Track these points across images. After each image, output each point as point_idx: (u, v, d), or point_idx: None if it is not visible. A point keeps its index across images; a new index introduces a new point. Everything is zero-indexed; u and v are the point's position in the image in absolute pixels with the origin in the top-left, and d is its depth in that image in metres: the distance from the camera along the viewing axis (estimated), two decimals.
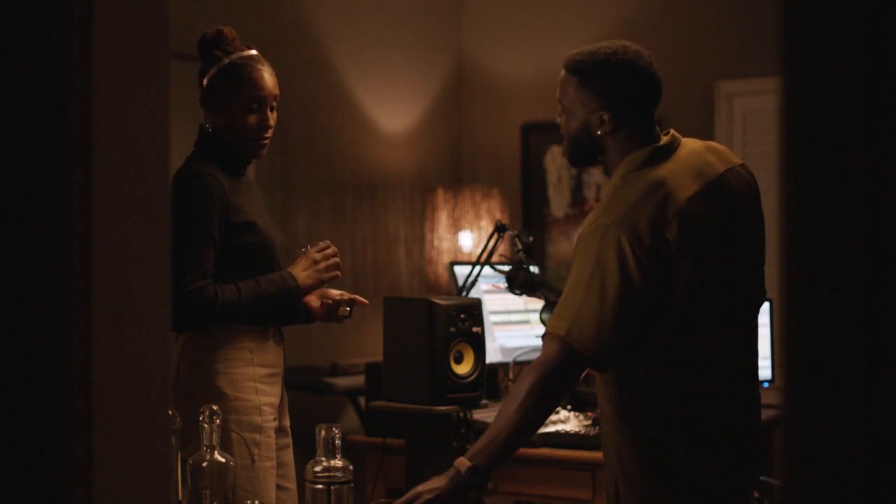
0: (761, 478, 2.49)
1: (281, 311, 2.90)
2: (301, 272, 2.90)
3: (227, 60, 2.90)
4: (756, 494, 2.49)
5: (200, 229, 2.79)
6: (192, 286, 2.75)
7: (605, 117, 2.48)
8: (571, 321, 2.40)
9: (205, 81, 2.91)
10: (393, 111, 5.57)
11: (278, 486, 2.95)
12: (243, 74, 2.89)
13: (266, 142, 2.93)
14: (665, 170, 2.46)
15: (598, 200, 5.60)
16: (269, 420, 2.87)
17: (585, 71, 2.49)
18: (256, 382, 2.85)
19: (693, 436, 2.46)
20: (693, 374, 2.45)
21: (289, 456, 3.00)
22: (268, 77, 2.92)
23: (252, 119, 2.89)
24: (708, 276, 2.43)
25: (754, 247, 2.54)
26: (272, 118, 2.93)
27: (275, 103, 2.95)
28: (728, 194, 2.49)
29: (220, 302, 2.77)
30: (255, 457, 2.79)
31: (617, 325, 2.38)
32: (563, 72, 2.54)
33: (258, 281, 2.84)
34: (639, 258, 2.36)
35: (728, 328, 2.48)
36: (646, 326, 2.41)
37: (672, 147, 2.51)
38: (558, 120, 2.58)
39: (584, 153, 2.56)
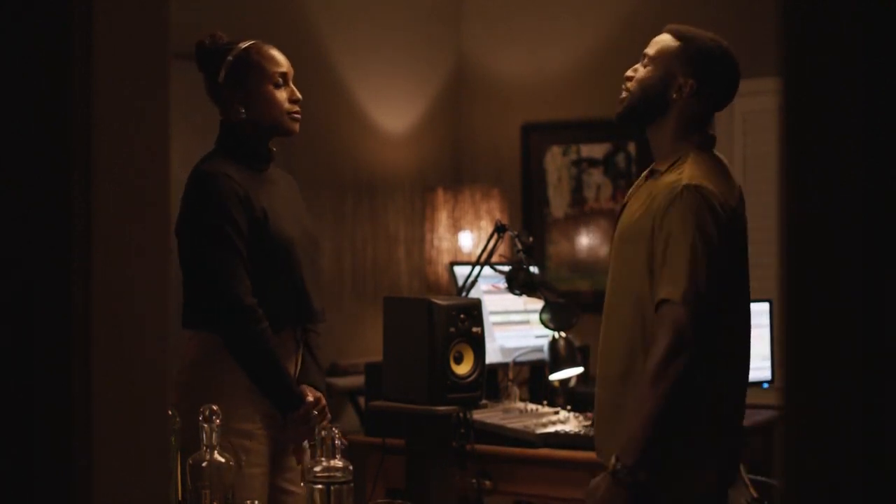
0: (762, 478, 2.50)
1: (273, 396, 2.88)
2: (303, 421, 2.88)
3: (240, 48, 2.94)
4: (755, 494, 2.48)
5: (229, 234, 2.80)
6: (248, 300, 2.78)
7: (690, 82, 2.56)
8: (686, 282, 2.39)
9: (221, 76, 2.92)
10: (393, 111, 5.57)
11: (283, 491, 2.93)
12: (262, 54, 2.95)
13: (298, 115, 2.97)
14: (720, 158, 2.60)
15: (597, 201, 5.60)
16: (260, 428, 2.86)
17: (690, 40, 2.59)
18: (253, 392, 2.84)
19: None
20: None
21: (294, 460, 2.98)
22: (282, 55, 2.98)
23: (282, 94, 2.94)
24: (735, 268, 2.51)
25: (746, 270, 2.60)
26: (297, 91, 2.98)
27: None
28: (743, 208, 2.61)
29: (262, 335, 2.79)
30: (243, 462, 2.77)
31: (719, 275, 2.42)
32: (663, 35, 2.63)
33: (284, 370, 2.85)
34: (723, 213, 2.45)
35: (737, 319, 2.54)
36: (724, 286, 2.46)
37: (713, 143, 2.64)
38: (632, 70, 2.63)
39: (646, 106, 2.60)
